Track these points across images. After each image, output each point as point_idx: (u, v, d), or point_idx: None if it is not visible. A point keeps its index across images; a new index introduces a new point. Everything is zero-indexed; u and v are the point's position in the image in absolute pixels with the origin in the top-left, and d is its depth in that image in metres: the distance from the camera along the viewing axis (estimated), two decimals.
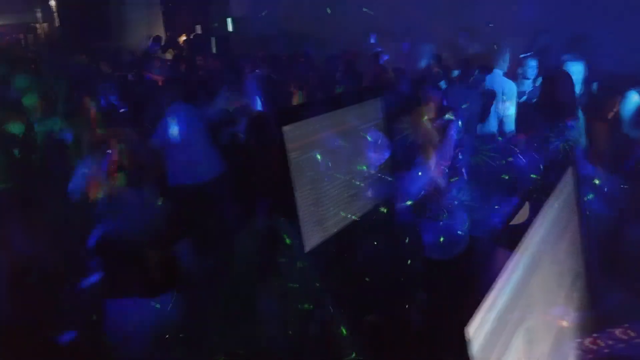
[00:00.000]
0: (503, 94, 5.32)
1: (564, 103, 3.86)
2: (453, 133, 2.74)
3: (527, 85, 5.56)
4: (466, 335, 0.93)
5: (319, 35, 10.30)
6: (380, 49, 8.38)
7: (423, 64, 7.26)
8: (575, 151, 3.77)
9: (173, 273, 2.48)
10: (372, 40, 10.10)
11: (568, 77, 4.81)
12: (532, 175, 3.40)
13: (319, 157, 2.14)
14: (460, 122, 2.82)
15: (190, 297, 2.45)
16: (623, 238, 3.22)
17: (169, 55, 12.99)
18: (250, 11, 13.75)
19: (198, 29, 13.87)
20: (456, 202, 4.35)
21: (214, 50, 12.34)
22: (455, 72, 6.17)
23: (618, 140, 4.20)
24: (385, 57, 8.19)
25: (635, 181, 3.82)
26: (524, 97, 5.52)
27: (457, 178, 4.34)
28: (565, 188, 1.90)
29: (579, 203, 2.14)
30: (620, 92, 4.35)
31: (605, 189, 3.24)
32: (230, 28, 12.61)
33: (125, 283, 2.33)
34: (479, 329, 1.05)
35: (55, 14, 15.24)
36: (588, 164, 3.76)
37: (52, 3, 15.35)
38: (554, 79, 4.80)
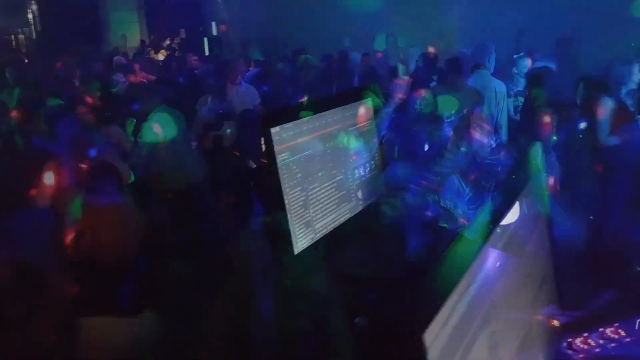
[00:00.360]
0: (496, 94, 5.33)
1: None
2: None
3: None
4: (423, 341, 0.91)
5: (299, 39, 10.37)
6: (363, 53, 8.51)
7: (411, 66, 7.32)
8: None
9: (153, 289, 2.43)
10: (347, 44, 10.25)
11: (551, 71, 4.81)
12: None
13: (308, 158, 2.13)
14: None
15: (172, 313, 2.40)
16: (604, 238, 3.25)
17: (160, 57, 12.96)
18: (234, 16, 13.84)
19: (182, 33, 13.83)
20: (445, 201, 4.35)
21: (206, 51, 12.32)
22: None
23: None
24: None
25: (609, 183, 3.85)
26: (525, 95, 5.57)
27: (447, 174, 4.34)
28: (532, 189, 1.90)
29: (546, 205, 2.14)
30: (597, 97, 4.36)
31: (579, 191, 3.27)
32: (214, 32, 12.56)
33: (102, 298, 2.27)
34: (438, 335, 1.03)
35: (39, 19, 15.23)
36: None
37: (34, 8, 15.34)
38: (539, 75, 4.84)
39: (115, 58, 10.17)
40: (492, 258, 1.45)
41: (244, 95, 5.82)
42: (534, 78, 5.27)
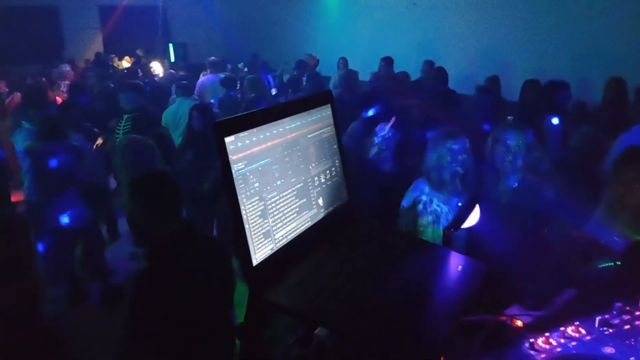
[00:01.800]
0: None
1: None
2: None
3: None
4: None
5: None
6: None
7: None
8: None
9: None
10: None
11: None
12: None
13: (266, 167, 2.09)
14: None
15: None
16: (565, 237, 3.32)
17: (125, 64, 12.76)
18: (190, 38, 13.86)
19: (140, 52, 13.66)
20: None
21: (172, 58, 12.19)
22: None
23: None
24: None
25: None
26: None
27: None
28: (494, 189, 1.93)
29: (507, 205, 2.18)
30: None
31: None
32: (172, 53, 12.47)
33: None
34: None
35: None
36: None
37: None
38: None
39: (61, 65, 10.10)
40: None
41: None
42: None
